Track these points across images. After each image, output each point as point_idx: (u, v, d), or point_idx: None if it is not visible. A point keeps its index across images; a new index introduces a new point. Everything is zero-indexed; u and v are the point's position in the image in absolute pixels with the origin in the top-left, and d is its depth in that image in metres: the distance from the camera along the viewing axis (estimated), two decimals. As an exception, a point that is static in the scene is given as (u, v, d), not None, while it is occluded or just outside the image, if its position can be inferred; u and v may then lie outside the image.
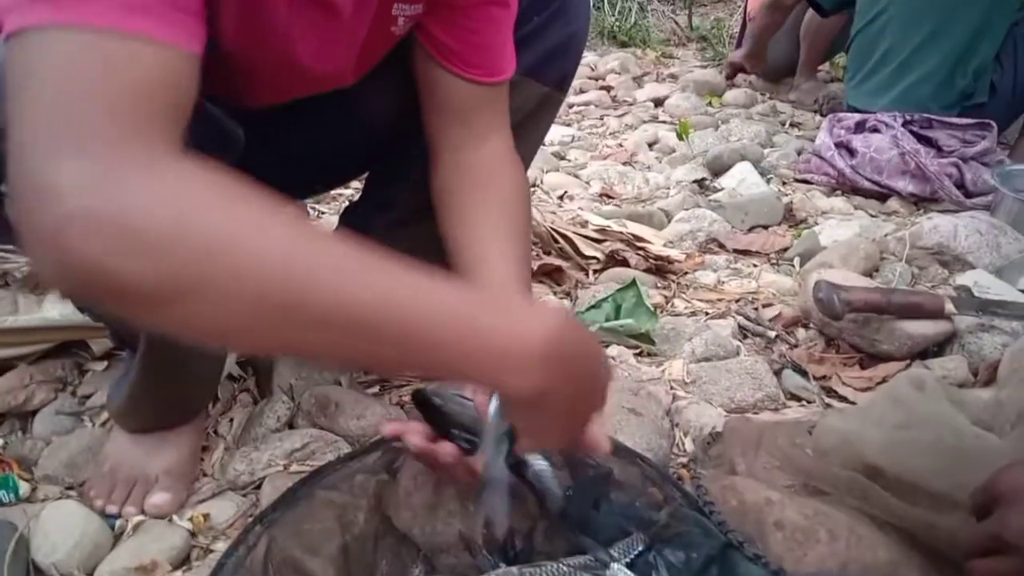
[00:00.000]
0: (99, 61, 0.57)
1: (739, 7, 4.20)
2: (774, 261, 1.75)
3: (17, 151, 0.54)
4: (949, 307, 1.29)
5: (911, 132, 2.08)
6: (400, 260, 0.58)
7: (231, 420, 1.17)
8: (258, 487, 1.05)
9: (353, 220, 1.25)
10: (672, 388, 1.26)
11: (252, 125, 0.86)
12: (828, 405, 1.24)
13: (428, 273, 0.59)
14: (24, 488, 1.05)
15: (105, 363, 1.26)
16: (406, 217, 1.10)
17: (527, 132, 1.14)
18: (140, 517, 1.01)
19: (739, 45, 3.38)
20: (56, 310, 1.20)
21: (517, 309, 0.63)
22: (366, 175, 1.27)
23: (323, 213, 1.91)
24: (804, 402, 1.25)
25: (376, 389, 1.28)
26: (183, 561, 0.97)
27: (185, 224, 0.53)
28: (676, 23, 4.58)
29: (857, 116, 2.20)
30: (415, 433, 0.81)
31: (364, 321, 0.56)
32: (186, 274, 0.53)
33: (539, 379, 0.61)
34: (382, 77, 0.99)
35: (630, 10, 4.56)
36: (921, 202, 2.06)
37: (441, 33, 0.93)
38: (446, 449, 0.78)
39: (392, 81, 1.00)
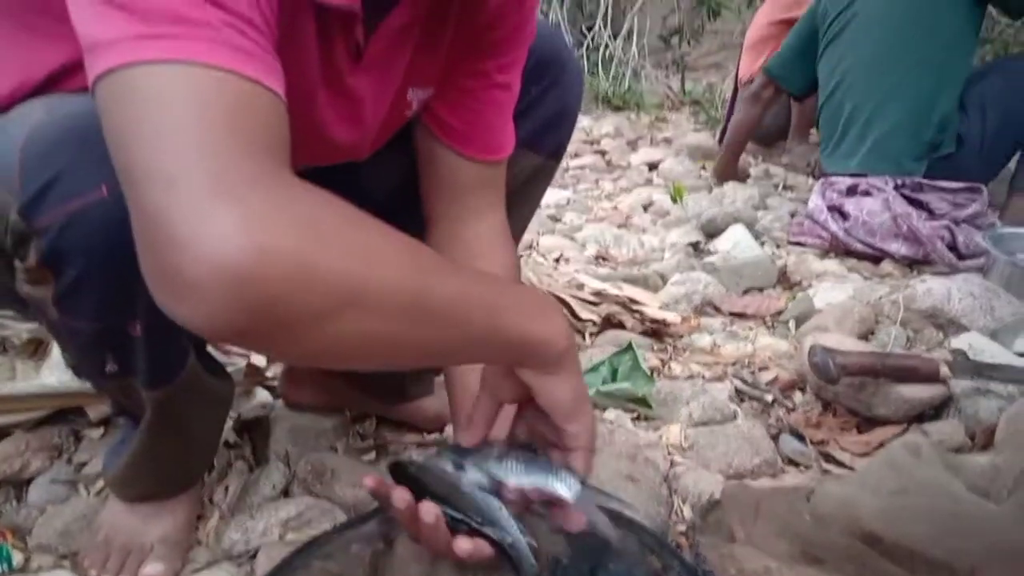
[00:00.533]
0: (230, 98, 0.57)
1: (731, 72, 4.29)
2: (769, 324, 1.76)
3: (150, 193, 0.53)
4: (944, 371, 1.30)
5: (902, 196, 2.11)
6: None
7: (226, 488, 1.16)
8: (253, 556, 1.03)
9: None
10: (670, 453, 1.25)
11: None
12: (826, 470, 1.23)
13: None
14: (18, 558, 1.04)
15: (101, 430, 1.25)
16: None
17: (523, 200, 1.17)
18: (134, 586, 1.00)
19: (730, 111, 3.45)
20: (54, 377, 1.20)
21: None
22: None
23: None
24: (802, 467, 1.24)
25: (372, 456, 1.27)
26: (174, 631, 0.95)
27: (335, 245, 0.57)
28: (669, 88, 4.68)
29: (849, 180, 2.24)
30: (396, 490, 0.80)
31: (468, 309, 0.65)
32: (348, 288, 0.57)
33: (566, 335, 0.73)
34: (386, 149, 1.02)
35: (624, 75, 4.66)
36: (914, 264, 2.08)
37: (446, 113, 0.96)
38: (427, 509, 0.77)
39: (395, 153, 1.02)
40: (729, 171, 2.96)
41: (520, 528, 0.80)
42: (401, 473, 0.82)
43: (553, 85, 1.09)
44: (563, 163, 3.20)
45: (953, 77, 2.31)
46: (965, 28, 2.31)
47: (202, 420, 1.01)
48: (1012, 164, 2.37)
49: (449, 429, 1.30)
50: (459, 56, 0.93)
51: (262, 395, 1.39)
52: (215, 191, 0.52)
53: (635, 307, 1.71)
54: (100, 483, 1.15)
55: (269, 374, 1.45)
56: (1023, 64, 2.32)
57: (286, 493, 1.16)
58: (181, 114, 0.55)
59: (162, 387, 0.89)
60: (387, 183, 1.09)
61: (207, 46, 0.57)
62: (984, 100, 2.29)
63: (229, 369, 1.32)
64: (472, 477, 0.80)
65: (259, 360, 1.51)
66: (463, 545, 0.77)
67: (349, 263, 0.57)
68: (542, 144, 1.12)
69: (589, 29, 5.04)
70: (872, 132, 2.34)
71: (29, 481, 1.17)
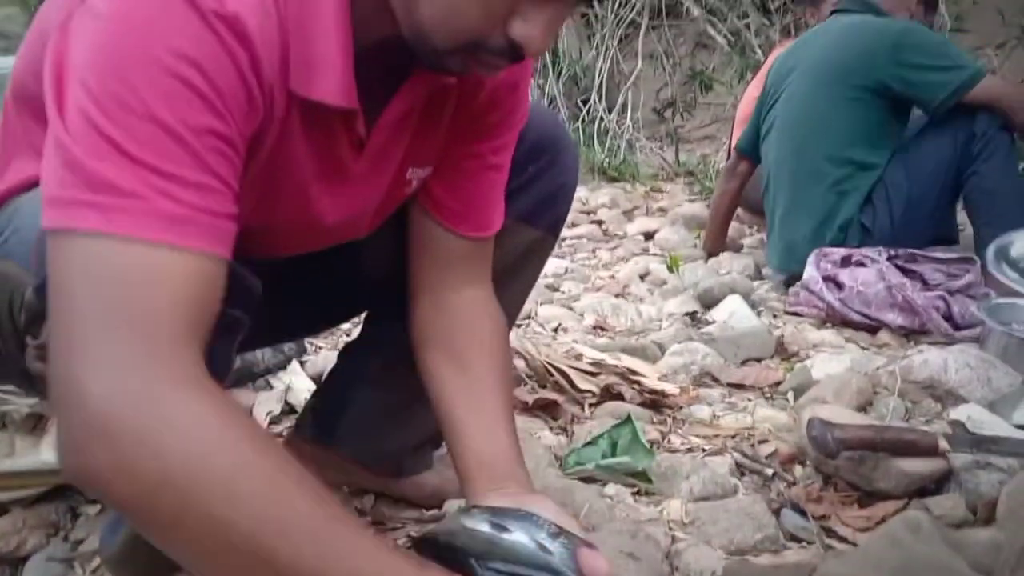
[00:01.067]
0: (143, 276, 0.63)
1: (724, 143, 4.37)
2: (768, 395, 1.76)
3: (58, 349, 0.61)
4: (943, 445, 1.30)
5: (896, 266, 2.14)
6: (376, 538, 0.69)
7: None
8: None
9: (351, 361, 1.28)
10: (671, 529, 1.24)
11: (260, 271, 0.90)
12: (828, 546, 1.22)
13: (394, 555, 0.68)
14: None
15: (99, 507, 1.24)
16: (403, 357, 1.12)
17: (521, 274, 1.20)
18: None
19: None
20: (53, 453, 1.20)
21: None
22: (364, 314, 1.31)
23: (320, 348, 1.94)
24: (804, 543, 1.23)
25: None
26: None
27: (194, 466, 0.60)
28: (664, 159, 4.76)
29: (843, 250, 2.27)
30: None
31: None
32: (181, 513, 0.60)
33: None
34: (385, 225, 1.04)
35: (619, 147, 4.75)
36: (911, 334, 2.10)
37: (440, 191, 1.00)
38: None
39: (393, 228, 1.05)
40: (718, 244, 3.01)
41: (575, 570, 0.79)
42: (429, 546, 0.82)
43: (551, 165, 1.13)
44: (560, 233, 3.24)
45: (858, 184, 2.37)
46: (874, 131, 2.37)
47: None
48: None
49: (448, 503, 1.30)
50: (456, 138, 0.97)
51: None
52: (94, 364, 0.60)
53: (634, 378, 1.71)
54: (96, 561, 1.14)
55: None
56: (925, 149, 2.34)
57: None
58: (88, 294, 0.62)
59: None
60: (387, 258, 1.11)
61: (133, 219, 0.63)
62: (888, 191, 2.34)
63: None
64: (516, 536, 0.80)
65: None
66: None
67: (199, 489, 0.60)
68: (540, 219, 1.16)
69: (584, 102, 5.16)
70: (784, 236, 2.48)
71: (25, 559, 1.16)
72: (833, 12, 2.62)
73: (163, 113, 0.64)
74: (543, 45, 0.74)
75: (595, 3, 5.19)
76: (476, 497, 0.91)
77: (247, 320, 0.83)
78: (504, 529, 0.81)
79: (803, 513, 1.29)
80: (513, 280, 1.17)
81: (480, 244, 1.04)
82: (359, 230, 1.00)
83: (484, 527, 0.81)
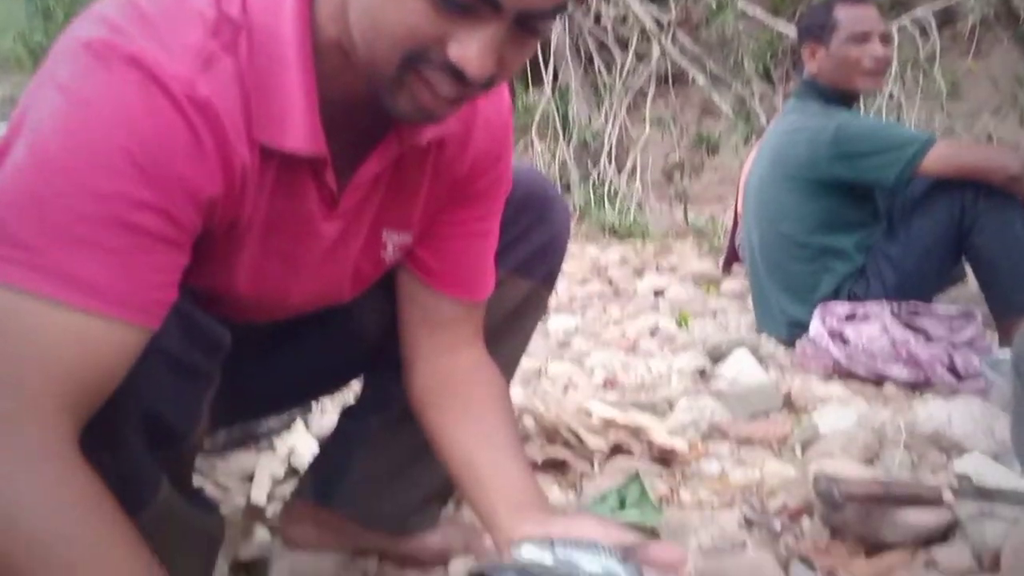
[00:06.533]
0: (26, 331, 0.65)
1: (731, 204, 4.44)
2: (776, 449, 1.78)
3: None
4: (947, 496, 1.31)
5: (899, 321, 2.16)
6: None
7: None
8: None
9: (352, 421, 1.29)
10: (681, 585, 1.26)
11: (244, 339, 0.91)
12: (837, 598, 1.23)
13: None
14: None
15: None
16: (404, 414, 1.12)
17: (516, 326, 1.21)
18: None
19: (731, 240, 3.55)
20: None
21: None
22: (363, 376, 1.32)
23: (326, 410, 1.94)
24: (813, 596, 1.25)
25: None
26: None
27: (9, 533, 0.63)
28: (673, 219, 4.83)
29: (847, 305, 2.30)
30: None
31: None
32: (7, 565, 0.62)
33: None
34: (375, 288, 1.06)
35: (629, 208, 4.82)
36: (916, 387, 2.11)
37: (428, 256, 1.02)
38: None
39: (383, 291, 1.07)
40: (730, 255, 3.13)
41: None
42: None
43: (540, 219, 1.15)
44: (571, 291, 3.29)
45: (833, 266, 2.40)
46: (835, 218, 2.40)
47: (186, 558, 0.98)
48: None
49: (452, 563, 1.29)
50: (437, 206, 0.98)
51: (261, 535, 1.37)
52: None
53: (643, 435, 1.73)
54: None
55: (269, 514, 1.44)
56: (918, 225, 2.34)
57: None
58: None
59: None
60: (379, 321, 1.12)
61: (25, 272, 0.65)
62: (880, 266, 2.36)
63: (225, 511, 1.32)
64: (589, 568, 0.77)
65: (259, 498, 1.50)
66: None
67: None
68: (533, 271, 1.17)
69: (594, 165, 5.26)
70: (763, 302, 2.57)
71: None
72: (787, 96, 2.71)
73: (101, 184, 0.67)
74: (481, 69, 0.72)
75: (570, 55, 5.35)
76: (505, 531, 0.88)
77: (214, 370, 0.85)
78: (572, 564, 0.77)
79: (812, 566, 1.31)
80: (509, 333, 1.18)
81: (472, 308, 1.05)
82: (340, 295, 1.01)
83: (547, 560, 0.78)
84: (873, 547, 1.34)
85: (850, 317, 2.26)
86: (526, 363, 2.03)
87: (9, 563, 0.62)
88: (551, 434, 1.75)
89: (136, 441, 0.81)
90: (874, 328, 2.15)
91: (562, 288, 3.20)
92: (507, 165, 1.02)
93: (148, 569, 0.68)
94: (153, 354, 0.74)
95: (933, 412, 1.69)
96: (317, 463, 1.34)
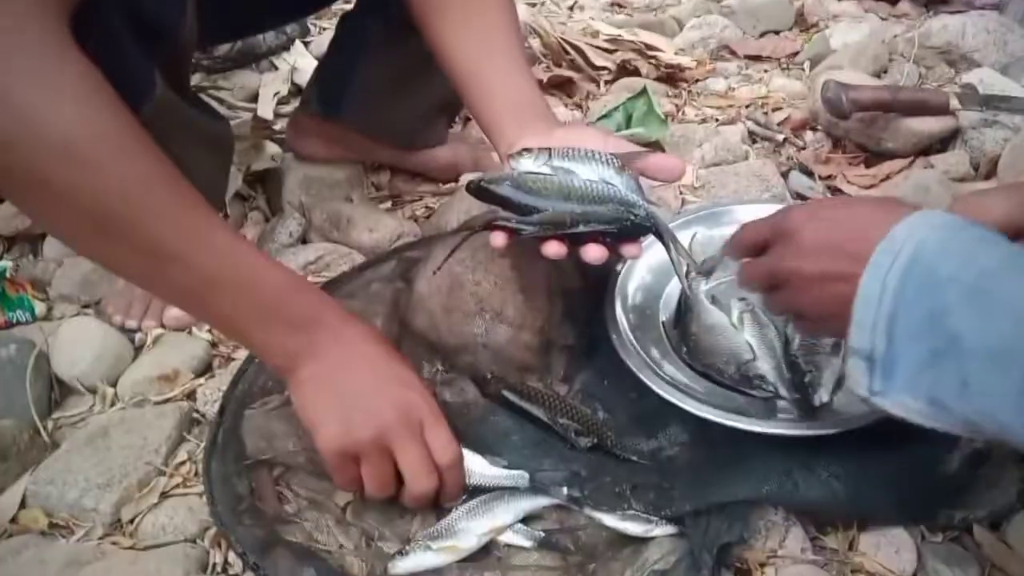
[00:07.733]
0: None
1: None
2: (784, 66, 1.76)
3: None
4: (954, 103, 1.33)
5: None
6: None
7: (244, 237, 1.19)
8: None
9: (349, 27, 1.24)
10: (681, 192, 1.31)
11: None
12: (832, 203, 1.30)
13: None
14: (40, 308, 1.08)
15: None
16: (403, 18, 1.01)
17: None
18: (160, 330, 1.04)
19: None
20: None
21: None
22: None
23: (324, 28, 1.88)
24: (810, 201, 1.31)
25: (388, 204, 1.33)
26: (205, 369, 1.01)
27: (33, 130, 0.61)
28: None
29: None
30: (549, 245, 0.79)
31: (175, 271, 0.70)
32: (32, 169, 0.62)
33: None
34: None
35: None
36: (931, 4, 2.04)
37: None
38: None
39: None
40: None
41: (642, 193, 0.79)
42: (480, 192, 0.81)
43: None
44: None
45: None
46: None
47: (199, 160, 0.98)
48: None
49: (463, 177, 1.32)
50: None
51: (272, 148, 1.39)
52: None
53: (651, 53, 1.70)
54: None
55: (277, 127, 1.45)
56: None
57: (303, 240, 1.21)
58: None
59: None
60: None
61: None
62: None
63: (233, 122, 1.32)
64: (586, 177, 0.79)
65: (266, 113, 1.51)
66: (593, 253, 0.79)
67: (50, 150, 0.62)
68: None
69: None
70: None
71: (43, 236, 1.20)
72: None
73: None
74: None
75: None
76: (508, 141, 0.87)
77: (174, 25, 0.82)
78: (568, 173, 0.79)
79: (810, 174, 1.36)
80: None
81: None
82: None
83: (544, 169, 0.79)
84: (873, 156, 1.38)
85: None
86: (529, -20, 1.95)
87: (30, 167, 0.62)
88: (556, 54, 1.71)
89: (123, 32, 0.78)
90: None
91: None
92: None
93: (165, 164, 0.69)
94: None
95: (947, 24, 1.64)
96: (319, 73, 1.32)
